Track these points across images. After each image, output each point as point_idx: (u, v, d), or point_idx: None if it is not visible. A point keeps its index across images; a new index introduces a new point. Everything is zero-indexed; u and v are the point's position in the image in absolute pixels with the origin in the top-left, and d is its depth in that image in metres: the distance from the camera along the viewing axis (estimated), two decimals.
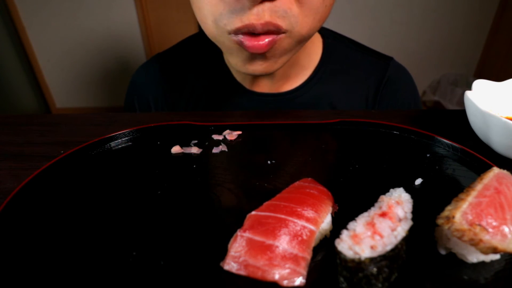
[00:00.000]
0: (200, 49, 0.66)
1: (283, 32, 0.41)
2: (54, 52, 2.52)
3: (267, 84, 0.62)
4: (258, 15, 0.38)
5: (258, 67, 0.46)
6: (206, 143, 0.43)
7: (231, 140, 0.43)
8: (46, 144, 0.44)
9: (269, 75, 0.57)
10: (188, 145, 0.42)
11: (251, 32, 0.39)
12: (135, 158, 0.40)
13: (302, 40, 0.45)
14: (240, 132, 0.45)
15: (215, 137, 0.44)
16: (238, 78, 0.62)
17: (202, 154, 0.41)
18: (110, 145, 0.42)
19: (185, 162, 0.39)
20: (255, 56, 0.44)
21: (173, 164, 0.39)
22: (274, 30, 0.40)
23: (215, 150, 0.41)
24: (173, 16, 2.36)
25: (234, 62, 0.47)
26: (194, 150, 0.41)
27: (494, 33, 2.46)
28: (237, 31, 0.40)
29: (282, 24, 0.40)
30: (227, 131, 0.45)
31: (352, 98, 0.63)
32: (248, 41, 0.40)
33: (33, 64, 2.54)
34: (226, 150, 0.41)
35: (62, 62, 2.58)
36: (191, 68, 0.66)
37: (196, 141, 0.43)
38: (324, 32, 0.64)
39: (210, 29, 0.44)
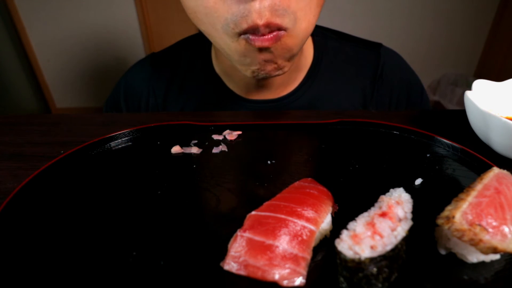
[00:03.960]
0: (194, 53, 0.65)
1: (284, 30, 0.43)
2: (54, 52, 2.53)
3: (264, 93, 0.61)
4: (260, 14, 0.40)
5: (272, 66, 0.47)
6: (206, 143, 0.43)
7: (231, 140, 0.43)
8: (46, 144, 0.44)
9: (267, 82, 0.58)
10: (188, 145, 0.42)
11: (256, 32, 0.42)
12: (135, 158, 0.40)
13: (304, 36, 0.46)
14: (240, 132, 0.45)
15: (215, 137, 0.44)
16: (231, 86, 0.61)
17: (202, 154, 0.41)
18: (110, 145, 0.42)
19: (185, 162, 0.39)
20: (265, 58, 0.45)
21: (173, 164, 0.39)
22: (275, 29, 0.42)
23: (215, 150, 0.41)
24: (173, 16, 2.36)
25: (247, 67, 0.48)
26: (194, 150, 0.41)
27: (494, 33, 2.46)
28: (244, 32, 0.42)
29: (282, 22, 0.41)
30: (227, 131, 0.45)
31: (348, 93, 0.62)
32: (255, 37, 0.42)
33: (33, 64, 2.54)
34: (226, 150, 0.41)
35: (62, 62, 2.58)
36: (183, 72, 0.64)
37: (196, 141, 0.43)
38: (313, 30, 0.64)
39: (221, 36, 0.45)
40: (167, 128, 0.46)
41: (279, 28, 0.42)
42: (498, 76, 2.33)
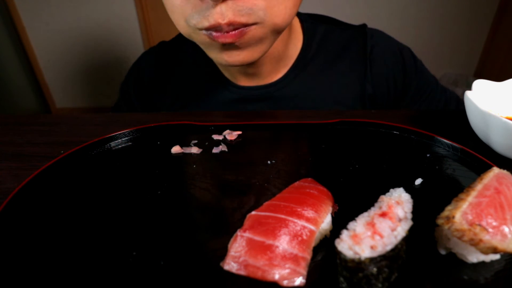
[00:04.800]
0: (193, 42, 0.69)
1: (253, 24, 0.42)
2: (54, 52, 2.53)
3: (255, 80, 0.63)
4: (222, 15, 0.39)
5: (236, 57, 0.46)
6: (206, 143, 0.43)
7: (231, 140, 0.43)
8: (46, 144, 0.44)
9: (255, 70, 0.59)
10: (188, 145, 0.42)
11: (219, 30, 0.41)
12: (135, 158, 0.40)
13: (279, 29, 0.46)
14: (240, 132, 0.45)
15: (215, 137, 0.44)
16: (226, 73, 0.63)
17: (202, 154, 0.41)
18: (110, 145, 0.42)
19: (185, 162, 0.39)
20: (229, 47, 0.45)
21: (173, 164, 0.39)
22: (240, 26, 0.41)
23: (215, 150, 0.41)
24: None
25: (213, 56, 0.48)
26: (194, 150, 0.41)
27: (494, 33, 2.46)
28: (206, 29, 0.42)
29: (248, 20, 0.41)
30: (227, 131, 0.45)
31: (342, 75, 0.63)
32: (218, 33, 0.42)
33: (33, 64, 2.54)
34: (226, 150, 0.41)
35: (62, 62, 2.58)
36: (184, 59, 0.68)
37: (196, 141, 0.43)
38: (302, 17, 0.65)
39: (183, 29, 0.46)
40: (167, 128, 0.46)
41: (245, 25, 0.41)
42: (498, 76, 2.32)
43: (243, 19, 0.40)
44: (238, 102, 0.64)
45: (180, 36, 0.72)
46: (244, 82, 0.63)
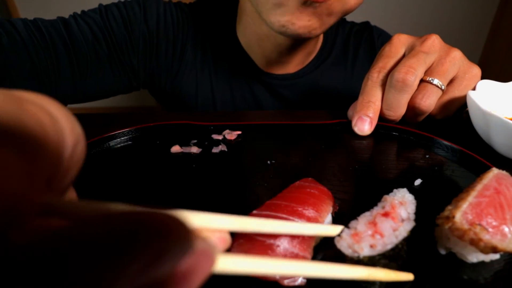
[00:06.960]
0: (218, 19, 0.66)
1: None
2: None
3: (281, 69, 0.66)
4: None
5: (305, 22, 0.48)
6: (206, 143, 0.43)
7: (230, 140, 0.43)
8: None
9: (289, 58, 0.63)
10: (187, 144, 0.42)
11: None
12: (135, 157, 0.40)
13: (346, 12, 0.50)
14: (240, 132, 0.45)
15: (215, 137, 0.44)
16: (258, 59, 0.65)
17: (202, 154, 0.41)
18: (109, 144, 0.42)
19: (184, 161, 0.39)
20: (304, 9, 0.46)
21: (173, 164, 0.39)
22: None
23: (215, 150, 0.41)
24: None
25: (277, 18, 0.48)
26: (194, 149, 0.41)
27: (494, 33, 2.46)
28: None
29: None
30: (227, 131, 0.45)
31: (356, 65, 0.71)
32: None
33: None
34: (226, 150, 0.41)
35: None
36: (206, 34, 0.65)
37: (195, 141, 0.43)
38: None
39: None
40: (167, 127, 0.46)
41: None
42: (498, 76, 2.32)
43: None
44: (262, 86, 0.67)
45: (195, 4, 0.68)
46: (271, 69, 0.66)
